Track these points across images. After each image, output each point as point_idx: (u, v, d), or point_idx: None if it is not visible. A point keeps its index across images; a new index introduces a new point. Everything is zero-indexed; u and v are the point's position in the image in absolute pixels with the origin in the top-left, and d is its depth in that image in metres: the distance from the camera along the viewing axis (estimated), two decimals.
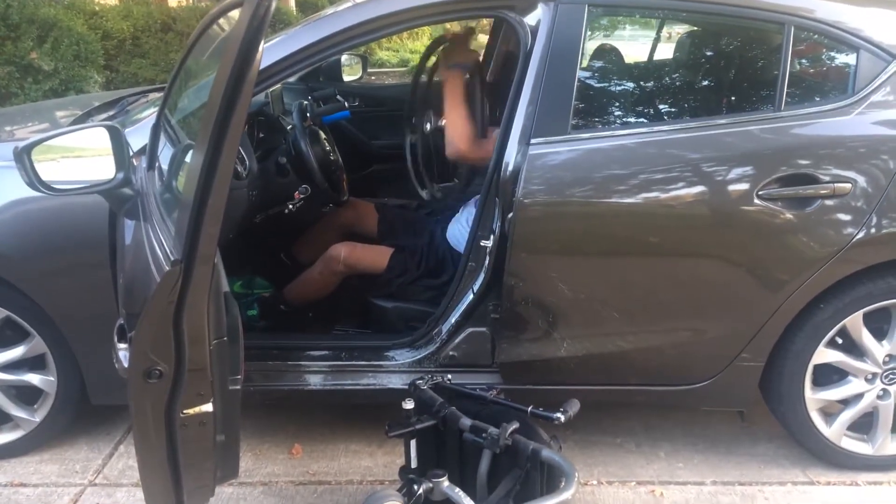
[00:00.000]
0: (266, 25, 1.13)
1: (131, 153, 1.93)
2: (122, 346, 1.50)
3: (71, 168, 1.97)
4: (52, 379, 2.25)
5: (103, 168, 1.84)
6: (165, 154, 1.91)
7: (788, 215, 1.94)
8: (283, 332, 2.56)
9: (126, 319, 1.51)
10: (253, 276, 2.77)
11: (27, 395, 2.31)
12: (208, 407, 1.39)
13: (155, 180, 1.82)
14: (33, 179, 1.75)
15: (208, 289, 1.30)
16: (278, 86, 3.12)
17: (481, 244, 2.10)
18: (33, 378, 2.25)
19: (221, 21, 1.79)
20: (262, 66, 1.98)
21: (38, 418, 2.30)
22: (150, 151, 1.95)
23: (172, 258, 1.28)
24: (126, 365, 1.39)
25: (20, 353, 2.22)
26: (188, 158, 1.51)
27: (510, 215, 1.96)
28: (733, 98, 2.29)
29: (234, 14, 1.39)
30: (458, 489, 1.66)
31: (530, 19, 2.03)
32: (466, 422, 1.80)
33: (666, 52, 2.76)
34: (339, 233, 2.84)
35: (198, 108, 1.79)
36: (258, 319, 2.61)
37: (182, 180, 1.53)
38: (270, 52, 2.01)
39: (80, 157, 1.96)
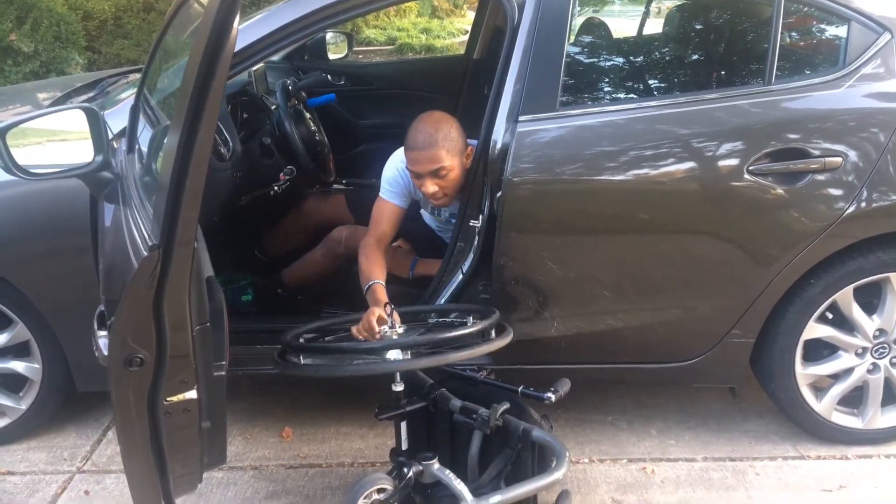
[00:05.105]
0: (239, 2, 1.09)
1: (110, 135, 1.89)
2: (102, 333, 1.47)
3: (48, 151, 1.92)
4: (37, 366, 2.23)
5: (82, 151, 1.80)
6: (145, 136, 1.87)
7: (779, 190, 1.92)
8: (271, 314, 2.53)
9: (106, 306, 1.48)
10: (232, 272, 2.70)
11: (12, 383, 2.28)
12: (192, 394, 1.37)
13: (135, 163, 1.78)
14: (9, 164, 1.70)
15: (189, 274, 1.28)
16: (261, 65, 3.06)
17: (470, 224, 2.07)
18: (18, 365, 2.23)
19: None
20: (243, 45, 1.94)
21: (24, 406, 2.28)
22: (130, 133, 1.91)
23: (150, 243, 1.25)
24: (106, 353, 1.37)
25: (4, 341, 2.19)
26: (166, 140, 1.47)
27: (499, 194, 1.93)
28: (723, 72, 2.27)
29: None
30: (448, 471, 1.65)
31: None
32: (457, 403, 1.79)
33: (655, 26, 2.73)
34: (313, 227, 2.76)
35: (176, 88, 1.75)
36: (253, 304, 2.57)
37: (161, 163, 1.49)
38: (252, 30, 1.97)
39: (57, 139, 1.91)
